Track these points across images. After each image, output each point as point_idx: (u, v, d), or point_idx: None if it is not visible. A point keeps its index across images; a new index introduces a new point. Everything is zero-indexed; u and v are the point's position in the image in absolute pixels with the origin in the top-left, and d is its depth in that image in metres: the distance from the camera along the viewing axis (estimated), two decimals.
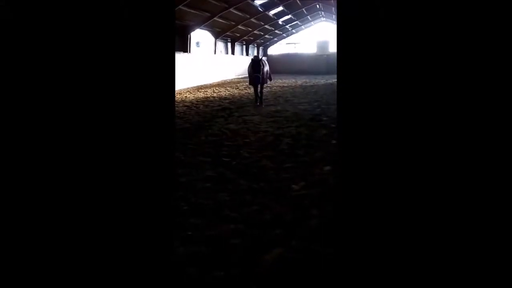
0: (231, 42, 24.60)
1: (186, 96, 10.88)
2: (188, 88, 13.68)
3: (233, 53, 24.96)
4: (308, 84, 15.35)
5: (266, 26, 25.97)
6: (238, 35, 24.83)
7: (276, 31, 30.07)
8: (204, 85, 15.43)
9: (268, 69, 9.33)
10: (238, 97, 10.84)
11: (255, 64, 8.92)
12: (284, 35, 33.61)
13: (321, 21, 31.99)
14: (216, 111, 7.74)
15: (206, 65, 17.35)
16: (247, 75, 9.61)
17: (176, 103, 8.19)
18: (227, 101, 9.89)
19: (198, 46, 17.16)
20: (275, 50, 33.60)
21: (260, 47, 33.30)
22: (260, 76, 8.69)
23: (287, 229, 2.22)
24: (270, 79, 9.39)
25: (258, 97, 9.14)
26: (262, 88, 9.10)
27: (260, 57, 9.27)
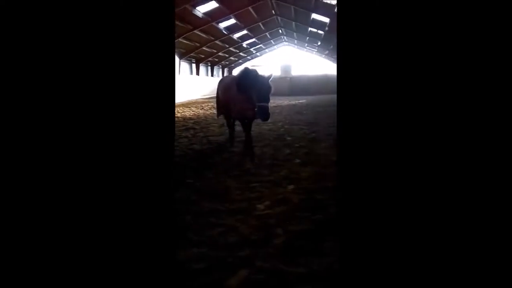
0: (195, 63, 24.66)
1: None
2: None
3: (197, 73, 24.98)
4: (271, 105, 15.64)
5: (231, 48, 26.45)
6: (203, 56, 25.00)
7: (241, 53, 30.70)
8: None
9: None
10: (203, 118, 10.78)
11: (245, 81, 4.68)
12: (249, 57, 34.38)
13: (284, 45, 33.15)
14: (180, 132, 7.63)
15: None
16: (217, 99, 6.08)
17: None
18: (191, 121, 9.78)
19: None
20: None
21: (225, 69, 33.68)
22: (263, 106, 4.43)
23: (252, 250, 2.19)
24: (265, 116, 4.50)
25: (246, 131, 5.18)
26: (250, 126, 5.21)
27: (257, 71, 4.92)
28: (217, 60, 28.35)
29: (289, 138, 6.56)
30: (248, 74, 4.80)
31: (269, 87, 4.60)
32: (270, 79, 4.64)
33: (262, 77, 4.64)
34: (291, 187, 3.54)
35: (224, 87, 5.69)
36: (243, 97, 4.75)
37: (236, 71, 34.05)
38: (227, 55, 28.36)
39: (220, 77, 30.76)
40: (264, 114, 4.40)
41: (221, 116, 6.24)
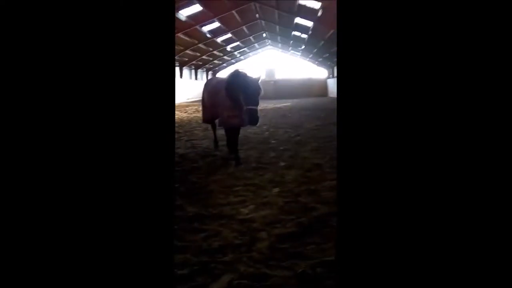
0: (179, 66, 24.53)
1: None
2: None
3: (181, 77, 24.83)
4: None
5: (215, 52, 26.42)
6: (186, 59, 24.88)
7: (225, 57, 30.70)
8: None
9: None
10: (187, 121, 10.69)
11: (235, 85, 4.36)
12: (233, 61, 34.42)
13: (268, 48, 33.33)
14: None
15: None
16: (203, 104, 5.67)
17: None
18: (175, 125, 9.66)
19: None
20: (224, 75, 34.21)
21: (209, 72, 33.60)
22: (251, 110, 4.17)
23: (236, 255, 2.16)
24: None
25: (231, 148, 4.93)
26: (238, 134, 4.84)
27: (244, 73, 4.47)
28: (201, 63, 28.23)
29: (273, 141, 6.56)
30: (238, 77, 4.44)
31: (259, 89, 4.36)
32: (259, 81, 4.43)
33: (251, 79, 4.38)
34: (275, 190, 3.54)
35: (211, 91, 5.22)
36: (232, 103, 4.47)
37: (221, 74, 33.94)
38: (211, 59, 28.28)
39: (205, 80, 30.66)
40: (253, 117, 4.18)
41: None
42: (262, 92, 4.37)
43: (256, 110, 4.20)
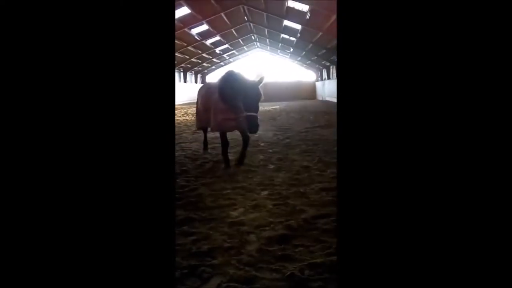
0: None
1: None
2: None
3: None
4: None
5: (204, 54, 26.35)
6: (175, 62, 24.75)
7: (214, 59, 30.64)
8: None
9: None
10: (176, 124, 10.64)
11: (229, 87, 4.12)
12: (222, 63, 34.39)
13: (257, 50, 33.40)
14: None
15: None
16: (197, 108, 5.38)
17: None
18: None
19: None
20: (214, 77, 34.05)
21: (198, 75, 33.48)
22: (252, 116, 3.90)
23: (225, 258, 2.17)
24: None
25: (226, 154, 4.66)
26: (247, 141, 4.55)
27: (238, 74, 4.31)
28: (190, 66, 28.11)
29: (262, 144, 6.59)
30: (232, 78, 4.15)
31: (258, 94, 4.00)
32: (260, 84, 4.07)
33: (249, 82, 4.04)
34: (264, 193, 3.55)
35: (204, 95, 4.93)
36: (226, 106, 4.16)
37: (210, 77, 33.84)
38: (200, 61, 28.20)
39: (193, 83, 30.49)
40: (252, 125, 3.86)
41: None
42: (262, 97, 4.05)
43: (255, 117, 3.89)
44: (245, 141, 4.56)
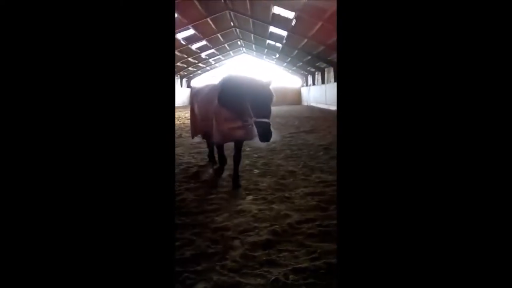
0: None
1: None
2: None
3: None
4: None
5: (190, 59, 26.22)
6: None
7: (200, 64, 30.54)
8: None
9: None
10: None
11: (230, 92, 3.56)
12: (208, 68, 34.31)
13: (242, 55, 33.47)
14: None
15: None
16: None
17: None
18: None
19: None
20: (199, 82, 33.92)
21: (184, 79, 33.29)
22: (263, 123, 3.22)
23: (209, 264, 2.14)
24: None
25: (222, 162, 4.49)
26: (240, 153, 4.14)
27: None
28: (175, 70, 27.94)
29: (248, 149, 6.57)
30: (234, 81, 3.57)
31: (270, 95, 3.34)
32: (270, 85, 3.42)
33: (258, 81, 3.38)
34: (249, 198, 3.54)
35: (202, 100, 4.23)
36: (231, 114, 3.54)
37: (196, 81, 33.67)
38: (185, 66, 28.06)
39: (178, 87, 30.26)
40: (264, 133, 3.16)
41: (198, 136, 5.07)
42: (274, 99, 3.40)
43: (267, 124, 3.18)
44: (237, 154, 4.04)
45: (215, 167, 4.66)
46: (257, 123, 3.21)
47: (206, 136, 4.65)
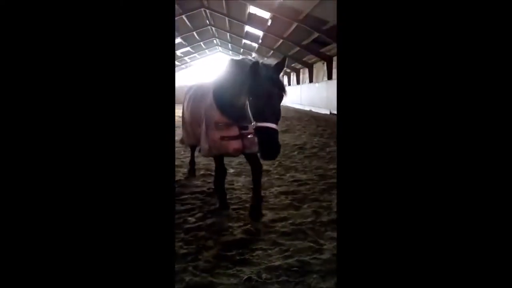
0: None
1: None
2: None
3: None
4: None
5: None
6: None
7: (176, 61, 30.09)
8: None
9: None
10: None
11: (228, 89, 2.50)
12: (183, 66, 33.87)
13: (218, 54, 33.30)
14: None
15: None
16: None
17: None
18: None
19: None
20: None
21: None
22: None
23: (181, 264, 2.11)
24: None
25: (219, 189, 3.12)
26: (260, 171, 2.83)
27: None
28: None
29: None
30: (235, 67, 2.49)
31: (281, 88, 2.25)
32: (282, 71, 2.37)
33: (264, 67, 2.25)
34: None
35: (190, 98, 3.35)
36: (223, 118, 2.61)
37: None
38: None
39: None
40: (269, 145, 2.15)
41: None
42: (286, 95, 2.30)
43: (275, 131, 2.17)
44: (257, 172, 2.81)
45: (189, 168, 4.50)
46: (259, 130, 2.17)
47: (196, 144, 3.42)
